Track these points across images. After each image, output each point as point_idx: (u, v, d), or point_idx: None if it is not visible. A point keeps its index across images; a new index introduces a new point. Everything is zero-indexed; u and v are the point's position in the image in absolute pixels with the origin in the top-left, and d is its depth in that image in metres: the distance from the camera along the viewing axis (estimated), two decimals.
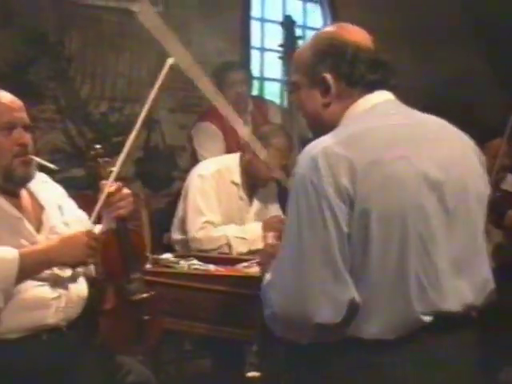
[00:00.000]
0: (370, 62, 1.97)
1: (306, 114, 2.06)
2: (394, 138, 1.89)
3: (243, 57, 6.78)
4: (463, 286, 1.93)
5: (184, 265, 3.21)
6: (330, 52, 1.96)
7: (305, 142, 4.84)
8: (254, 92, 5.86)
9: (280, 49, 4.96)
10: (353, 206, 1.79)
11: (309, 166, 1.82)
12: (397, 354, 1.85)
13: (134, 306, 2.62)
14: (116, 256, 2.60)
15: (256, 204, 4.01)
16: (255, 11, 7.13)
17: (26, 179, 2.58)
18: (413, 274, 1.84)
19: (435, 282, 1.87)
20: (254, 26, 7.12)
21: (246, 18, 6.96)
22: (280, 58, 5.01)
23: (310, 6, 7.73)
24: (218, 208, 3.75)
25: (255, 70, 6.95)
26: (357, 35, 2.01)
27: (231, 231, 3.74)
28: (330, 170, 1.79)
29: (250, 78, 5.23)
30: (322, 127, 2.00)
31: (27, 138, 2.55)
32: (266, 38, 7.26)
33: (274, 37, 7.19)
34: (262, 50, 7.24)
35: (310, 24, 7.71)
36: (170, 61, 2.59)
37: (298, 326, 1.86)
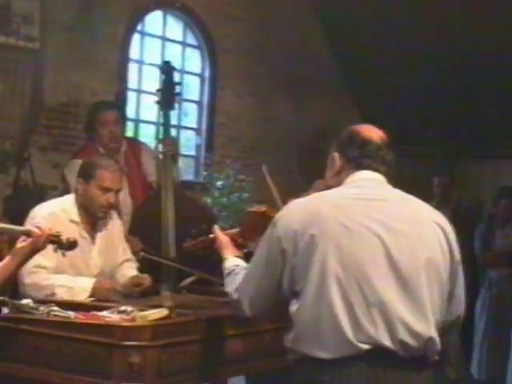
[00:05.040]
0: (370, 151, 2.56)
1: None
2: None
3: (119, 97, 6.75)
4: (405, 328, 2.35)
5: (44, 311, 3.11)
6: (345, 137, 2.62)
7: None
8: (129, 133, 5.83)
9: (157, 93, 5.00)
10: None
11: None
12: (335, 374, 2.33)
13: None
14: None
15: (99, 243, 3.89)
16: (134, 53, 7.12)
17: None
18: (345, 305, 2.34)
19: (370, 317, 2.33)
20: (132, 68, 7.11)
21: (124, 59, 6.94)
22: (157, 102, 5.01)
23: (189, 50, 7.78)
24: (51, 252, 3.61)
25: (131, 112, 6.93)
26: (371, 133, 2.60)
27: (59, 280, 3.64)
28: None
29: (123, 118, 5.14)
30: None
31: None
32: (143, 80, 7.26)
33: (152, 80, 7.23)
34: (139, 91, 7.23)
35: (188, 68, 7.75)
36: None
37: None
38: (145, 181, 4.94)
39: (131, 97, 7.04)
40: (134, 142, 5.31)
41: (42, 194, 6.01)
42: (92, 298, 3.64)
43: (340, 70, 8.83)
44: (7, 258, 3.12)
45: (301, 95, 8.14)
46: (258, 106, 8.11)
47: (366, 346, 2.31)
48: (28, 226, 3.61)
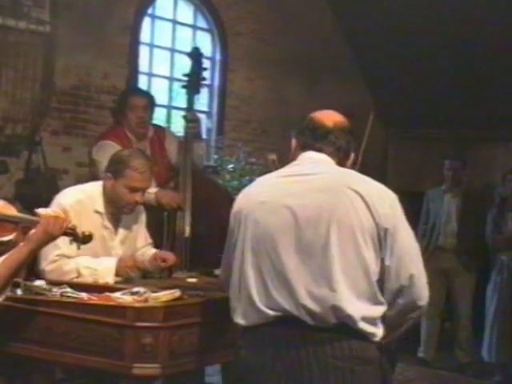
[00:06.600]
0: (319, 135, 2.67)
1: None
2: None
3: (130, 81, 6.74)
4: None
5: (56, 292, 3.13)
6: (302, 124, 2.73)
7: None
8: None
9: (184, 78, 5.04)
10: None
11: None
12: (248, 340, 2.54)
13: None
14: None
15: (121, 232, 3.87)
16: (144, 36, 7.11)
17: None
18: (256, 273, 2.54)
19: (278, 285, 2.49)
20: (143, 51, 7.10)
21: (134, 43, 6.93)
22: (184, 87, 5.05)
23: (199, 33, 7.76)
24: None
25: None
26: (324, 118, 2.71)
27: (83, 261, 3.62)
28: None
29: (153, 105, 5.15)
30: None
31: None
32: (154, 63, 7.25)
33: (163, 63, 7.22)
34: (150, 75, 7.22)
35: None
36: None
37: None
38: (168, 165, 4.99)
39: (142, 80, 7.02)
40: (159, 128, 5.35)
41: (53, 178, 6.04)
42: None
43: (352, 52, 8.80)
44: (21, 244, 3.14)
45: (312, 78, 8.11)
46: (269, 88, 8.09)
47: (273, 313, 2.48)
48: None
